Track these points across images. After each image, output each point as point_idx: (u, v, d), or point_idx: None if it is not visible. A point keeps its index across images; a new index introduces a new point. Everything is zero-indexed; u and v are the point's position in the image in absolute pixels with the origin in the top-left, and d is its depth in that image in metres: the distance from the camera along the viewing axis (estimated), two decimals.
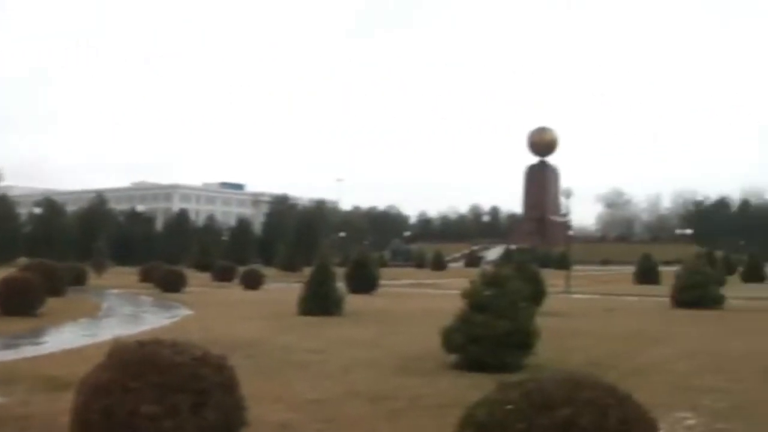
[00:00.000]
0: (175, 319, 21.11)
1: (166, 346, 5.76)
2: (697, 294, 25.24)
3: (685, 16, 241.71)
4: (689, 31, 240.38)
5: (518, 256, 23.85)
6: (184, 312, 23.57)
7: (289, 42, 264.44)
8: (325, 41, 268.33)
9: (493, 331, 12.14)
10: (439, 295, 35.10)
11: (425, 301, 30.04)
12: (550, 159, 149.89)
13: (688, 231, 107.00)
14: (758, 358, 14.05)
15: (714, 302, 25.39)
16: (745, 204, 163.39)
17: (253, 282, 37.39)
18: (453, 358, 12.60)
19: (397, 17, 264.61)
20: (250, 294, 34.42)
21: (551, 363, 12.73)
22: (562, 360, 13.39)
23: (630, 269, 73.93)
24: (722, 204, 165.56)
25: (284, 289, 38.73)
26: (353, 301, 24.57)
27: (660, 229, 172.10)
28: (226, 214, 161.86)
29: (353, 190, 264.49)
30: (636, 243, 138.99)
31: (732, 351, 15.04)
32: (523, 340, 12.48)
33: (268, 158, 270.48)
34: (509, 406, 4.46)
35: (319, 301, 21.44)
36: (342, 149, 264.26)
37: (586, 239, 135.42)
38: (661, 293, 35.62)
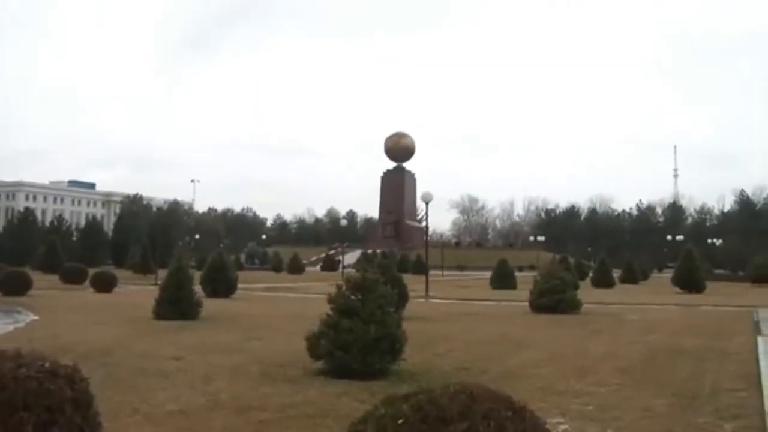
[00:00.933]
0: (18, 326, 19.42)
1: (8, 357, 4.96)
2: (555, 299, 25.69)
3: (535, 26, 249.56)
4: (539, 42, 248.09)
5: (381, 260, 23.55)
6: (30, 317, 21.79)
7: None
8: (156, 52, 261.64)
9: (361, 337, 11.76)
10: (298, 299, 34.59)
11: (285, 306, 29.46)
12: (407, 164, 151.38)
13: (541, 238, 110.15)
14: (616, 360, 14.37)
15: (571, 307, 25.90)
16: (592, 212, 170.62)
17: (104, 284, 35.32)
18: (319, 364, 12.17)
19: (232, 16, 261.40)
20: (102, 297, 32.50)
21: (419, 369, 12.52)
22: (430, 365, 13.20)
23: (486, 275, 75.67)
24: (572, 212, 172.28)
25: (138, 292, 37.14)
26: (211, 306, 23.61)
27: (513, 236, 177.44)
28: (76, 214, 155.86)
29: (209, 192, 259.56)
30: (490, 249, 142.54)
31: (592, 354, 15.26)
32: (392, 346, 12.15)
33: (121, 157, 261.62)
34: (400, 421, 4.03)
35: (176, 305, 20.49)
36: (196, 150, 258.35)
37: (443, 245, 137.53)
38: (518, 298, 36.29)
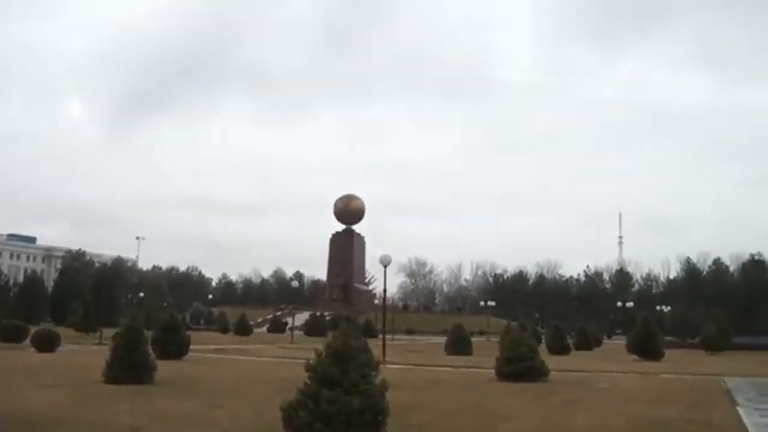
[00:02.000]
0: None
1: None
2: (523, 366, 24.81)
3: (479, 96, 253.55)
4: (485, 110, 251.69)
5: (346, 325, 22.53)
6: None
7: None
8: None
9: (344, 409, 10.79)
10: (251, 362, 33.31)
11: (240, 369, 28.10)
12: (356, 227, 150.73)
13: (492, 303, 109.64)
14: None
15: (539, 375, 25.07)
16: (541, 278, 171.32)
17: (47, 344, 33.15)
18: None
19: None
20: (45, 357, 30.54)
21: None
22: None
23: (436, 339, 74.76)
24: (520, 277, 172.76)
25: (82, 352, 35.54)
26: (164, 368, 22.09)
27: (460, 300, 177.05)
28: (14, 269, 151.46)
29: (152, 249, 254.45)
30: (438, 313, 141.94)
31: (579, 427, 14.48)
32: (374, 419, 11.19)
33: (61, 212, 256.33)
34: None
35: (129, 368, 19.13)
36: (139, 207, 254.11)
37: (390, 308, 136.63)
38: (478, 365, 35.47)
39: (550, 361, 37.48)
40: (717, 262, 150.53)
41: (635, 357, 46.13)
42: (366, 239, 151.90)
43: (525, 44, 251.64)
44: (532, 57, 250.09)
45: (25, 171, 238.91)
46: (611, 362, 41.51)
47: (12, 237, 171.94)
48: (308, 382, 11.45)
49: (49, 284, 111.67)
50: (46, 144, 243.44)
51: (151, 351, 23.51)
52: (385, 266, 38.73)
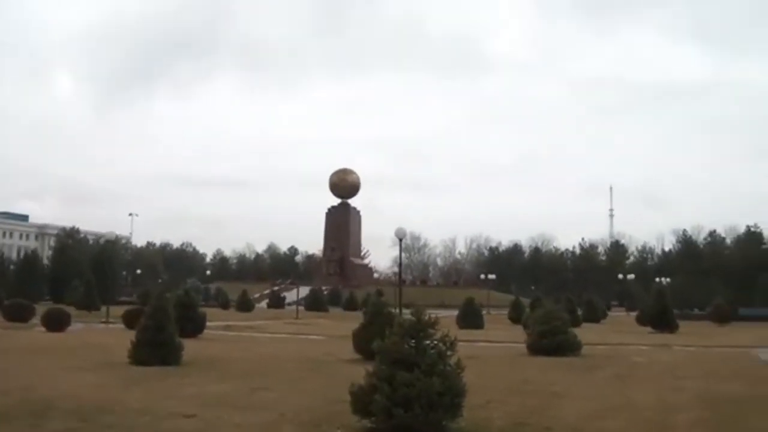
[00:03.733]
0: None
1: None
2: (556, 341, 23.96)
3: (472, 67, 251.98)
4: (479, 83, 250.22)
5: (375, 299, 21.47)
6: None
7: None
8: None
9: (425, 392, 9.85)
10: (269, 340, 32.37)
11: (261, 347, 26.84)
12: (352, 201, 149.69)
13: (492, 276, 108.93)
14: (679, 411, 12.88)
15: (572, 348, 24.22)
16: (536, 251, 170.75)
17: (57, 323, 31.80)
18: (366, 423, 10.27)
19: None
20: (57, 337, 28.86)
21: (474, 425, 10.75)
22: (484, 420, 11.43)
23: (438, 312, 73.65)
24: (516, 251, 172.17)
25: (92, 330, 34.50)
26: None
27: (455, 274, 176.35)
28: (7, 247, 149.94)
29: (144, 226, 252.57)
30: (434, 287, 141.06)
31: (644, 404, 13.67)
32: (453, 401, 10.25)
33: (51, 189, 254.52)
34: None
35: (156, 349, 18.11)
36: (130, 183, 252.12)
37: (388, 282, 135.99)
38: (497, 339, 34.70)
39: None
40: (713, 234, 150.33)
41: (649, 329, 45.42)
42: (362, 213, 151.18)
43: (517, 17, 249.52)
44: (525, 30, 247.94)
45: (14, 148, 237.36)
46: (627, 334, 40.80)
47: (4, 215, 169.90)
48: (380, 363, 10.53)
49: (43, 262, 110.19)
50: (35, 121, 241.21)
51: None
52: (401, 239, 37.89)
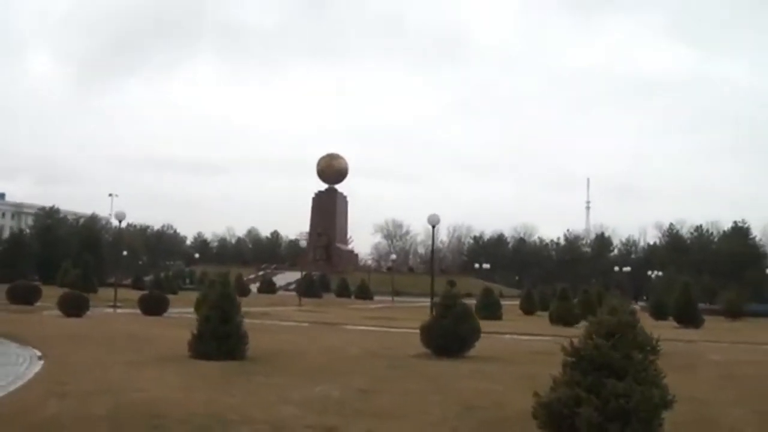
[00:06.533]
0: (28, 367, 14.24)
1: None
2: None
3: (457, 58, 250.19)
4: (462, 74, 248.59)
5: (449, 289, 19.74)
6: (27, 352, 16.57)
7: None
8: None
9: (644, 404, 8.22)
10: (303, 329, 30.45)
11: (307, 338, 24.61)
12: (339, 187, 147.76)
13: (486, 265, 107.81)
14: None
15: None
16: (520, 241, 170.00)
17: (76, 307, 29.58)
18: None
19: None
20: (82, 324, 26.28)
21: None
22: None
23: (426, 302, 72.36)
24: (500, 240, 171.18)
25: (109, 316, 32.49)
26: None
27: (437, 262, 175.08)
28: None
29: (119, 207, 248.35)
30: (420, 275, 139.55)
31: None
32: (653, 411, 8.58)
33: (24, 168, 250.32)
34: None
35: (222, 341, 16.26)
36: (105, 164, 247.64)
37: (373, 269, 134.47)
38: (525, 330, 33.17)
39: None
40: (699, 228, 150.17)
41: (674, 324, 43.95)
42: (349, 198, 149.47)
43: (500, 8, 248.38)
44: (508, 21, 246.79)
45: None
46: (654, 329, 39.26)
47: None
48: (574, 370, 8.84)
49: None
50: (8, 99, 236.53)
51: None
52: (433, 226, 36.26)
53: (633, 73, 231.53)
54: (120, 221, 47.76)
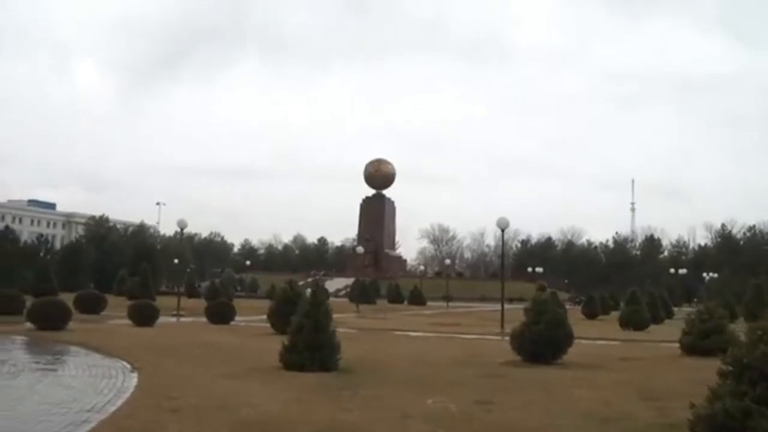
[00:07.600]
0: (131, 382, 13.74)
1: None
2: (718, 340, 21.46)
3: (501, 64, 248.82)
4: (506, 79, 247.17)
5: (540, 293, 19.26)
6: (117, 363, 16.30)
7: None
8: None
9: None
10: (378, 338, 29.69)
11: (386, 346, 24.10)
12: (386, 192, 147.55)
13: (539, 269, 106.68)
14: None
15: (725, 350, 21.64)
16: (569, 245, 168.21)
17: (146, 318, 29.48)
18: None
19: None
20: (159, 334, 25.88)
21: None
22: None
23: (486, 306, 71.24)
24: (548, 244, 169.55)
25: (179, 326, 32.34)
26: None
27: (483, 267, 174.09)
28: (35, 235, 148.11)
29: (165, 216, 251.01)
30: (469, 279, 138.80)
31: None
32: None
33: (70, 178, 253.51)
34: None
35: (315, 352, 15.82)
36: (149, 173, 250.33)
37: (422, 275, 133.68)
38: (596, 335, 32.28)
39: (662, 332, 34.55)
40: (752, 229, 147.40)
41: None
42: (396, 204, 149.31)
43: (541, 6, 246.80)
44: (549, 20, 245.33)
45: (38, 136, 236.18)
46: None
47: (32, 203, 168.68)
48: (734, 379, 8.20)
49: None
50: (59, 109, 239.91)
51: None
52: (503, 229, 35.84)
53: (678, 70, 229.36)
54: (182, 229, 47.73)
